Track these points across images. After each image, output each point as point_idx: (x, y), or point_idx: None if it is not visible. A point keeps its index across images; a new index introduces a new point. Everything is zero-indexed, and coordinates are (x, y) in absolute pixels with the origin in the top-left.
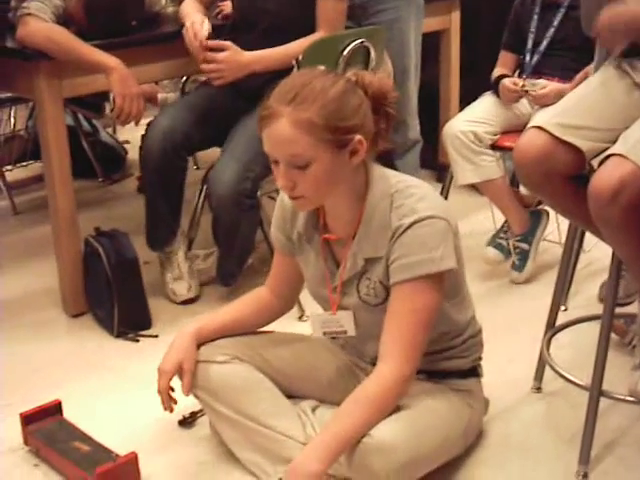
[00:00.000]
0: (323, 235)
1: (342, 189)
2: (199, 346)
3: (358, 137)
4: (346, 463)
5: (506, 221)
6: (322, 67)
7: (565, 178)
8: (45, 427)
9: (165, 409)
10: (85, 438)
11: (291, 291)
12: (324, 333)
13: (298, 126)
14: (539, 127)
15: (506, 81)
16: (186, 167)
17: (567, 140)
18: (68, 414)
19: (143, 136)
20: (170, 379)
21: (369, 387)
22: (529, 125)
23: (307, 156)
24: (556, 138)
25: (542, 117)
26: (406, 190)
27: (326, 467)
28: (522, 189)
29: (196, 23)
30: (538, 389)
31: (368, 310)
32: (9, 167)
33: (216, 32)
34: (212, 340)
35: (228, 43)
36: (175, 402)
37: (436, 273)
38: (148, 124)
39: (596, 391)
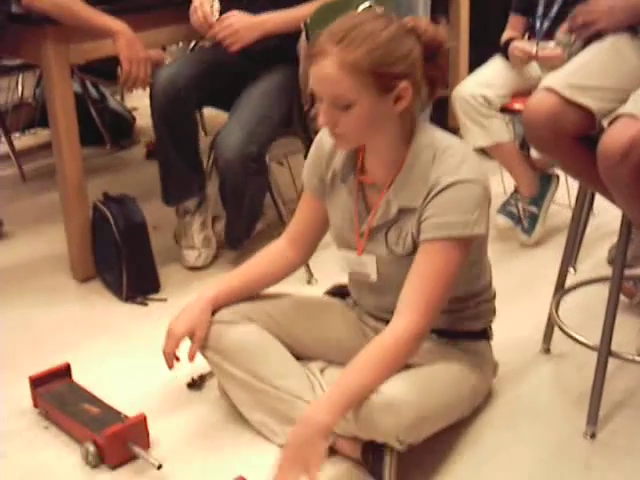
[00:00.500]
0: (359, 177)
1: (386, 133)
2: (215, 311)
3: (404, 84)
4: (354, 421)
5: (516, 188)
6: (379, 9)
7: (574, 139)
8: (54, 390)
9: (170, 367)
10: (94, 400)
11: (311, 240)
12: (351, 272)
13: (343, 67)
14: (549, 88)
15: (516, 44)
16: (195, 119)
17: (577, 101)
18: (77, 377)
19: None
20: (179, 343)
21: (383, 342)
22: (539, 86)
23: (350, 98)
24: (566, 99)
25: (552, 78)
26: (449, 148)
27: (335, 419)
28: (532, 153)
29: (205, 3)
30: (547, 351)
31: (393, 260)
32: (17, 135)
33: (224, 6)
34: (230, 304)
35: (235, 11)
36: (178, 360)
37: (467, 237)
38: (154, 73)
39: (605, 351)
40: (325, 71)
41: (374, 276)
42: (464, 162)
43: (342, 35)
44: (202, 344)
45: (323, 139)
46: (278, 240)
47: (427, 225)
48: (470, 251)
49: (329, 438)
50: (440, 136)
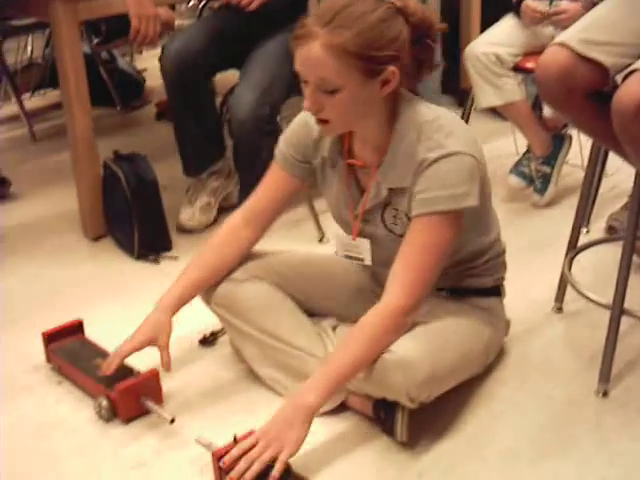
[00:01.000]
0: (348, 160)
1: (371, 116)
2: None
3: (391, 68)
4: (366, 379)
5: (529, 148)
6: None
7: (587, 94)
8: (67, 346)
9: (105, 369)
10: (107, 356)
11: (268, 218)
12: (345, 256)
13: (330, 51)
14: (562, 43)
15: (528, 3)
16: (209, 88)
17: (590, 56)
18: (90, 334)
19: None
20: (136, 351)
21: (369, 320)
22: (553, 42)
23: (336, 82)
24: (578, 54)
25: (565, 34)
26: (436, 121)
27: (321, 403)
28: (545, 112)
29: None
30: (559, 309)
31: (393, 239)
32: (27, 95)
33: None
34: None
35: None
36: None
37: (455, 210)
38: (163, 47)
39: (617, 309)
40: (311, 54)
41: (368, 261)
42: (450, 135)
43: (330, 17)
44: (168, 350)
45: (310, 122)
46: (233, 217)
47: (415, 202)
48: (461, 223)
49: (311, 421)
50: (425, 111)
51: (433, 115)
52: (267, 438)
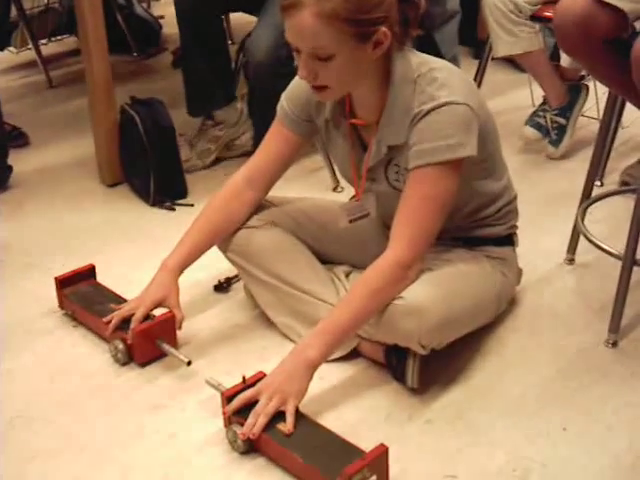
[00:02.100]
0: (350, 120)
1: (366, 78)
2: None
3: (382, 29)
4: (377, 325)
5: (545, 99)
6: None
7: (605, 42)
8: (80, 290)
9: (106, 334)
10: (121, 300)
11: (271, 178)
12: (350, 221)
13: (321, 18)
14: None
15: None
16: (222, 26)
17: (609, 2)
18: (105, 280)
19: None
20: (145, 314)
21: (370, 275)
22: None
23: (329, 48)
24: (597, 0)
25: None
26: (429, 74)
27: (323, 357)
28: (562, 62)
29: None
30: (571, 261)
31: (396, 196)
32: (44, 41)
33: None
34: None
35: None
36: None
37: (452, 160)
38: None
39: (629, 260)
40: (302, 23)
41: (373, 213)
42: (443, 86)
43: None
44: (180, 308)
45: None
46: (235, 178)
47: (410, 155)
48: (460, 173)
49: (312, 374)
50: (419, 64)
51: (427, 67)
52: (270, 391)
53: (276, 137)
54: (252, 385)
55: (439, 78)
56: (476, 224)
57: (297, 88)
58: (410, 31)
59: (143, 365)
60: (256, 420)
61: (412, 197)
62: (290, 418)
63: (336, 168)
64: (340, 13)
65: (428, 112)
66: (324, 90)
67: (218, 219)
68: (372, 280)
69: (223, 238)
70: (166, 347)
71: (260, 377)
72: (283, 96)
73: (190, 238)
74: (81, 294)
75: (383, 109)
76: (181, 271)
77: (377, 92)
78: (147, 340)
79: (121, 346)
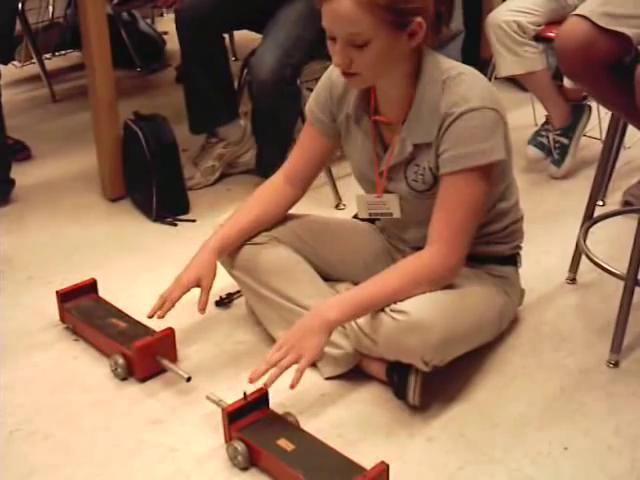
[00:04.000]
0: (373, 117)
1: (397, 70)
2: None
3: (418, 19)
4: (380, 341)
5: (547, 118)
6: None
7: (606, 66)
8: (81, 305)
9: (153, 314)
10: (122, 315)
11: (308, 176)
12: (370, 214)
13: (360, 4)
14: (582, 16)
15: None
16: (223, 45)
17: (613, 29)
18: (106, 294)
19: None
20: (184, 293)
21: (413, 260)
22: (573, 13)
23: (366, 35)
24: (599, 26)
25: (587, 6)
26: (458, 77)
27: (341, 319)
28: (565, 83)
29: None
30: (573, 281)
31: (414, 196)
32: (48, 56)
33: None
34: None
35: None
36: (164, 314)
37: (485, 164)
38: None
39: (631, 280)
40: (341, 9)
41: (397, 214)
42: (473, 89)
43: None
44: (209, 292)
45: (334, 78)
46: (275, 176)
47: (445, 159)
48: (492, 177)
49: (330, 335)
50: (448, 65)
51: (456, 71)
52: (288, 345)
53: (307, 138)
54: (253, 401)
55: (468, 81)
56: (481, 240)
57: (320, 88)
58: (442, 28)
59: (143, 380)
60: (268, 369)
61: (449, 202)
62: (297, 374)
63: (351, 166)
64: (379, 1)
65: (460, 115)
66: (356, 77)
67: (259, 209)
68: (413, 267)
69: (262, 227)
70: (166, 363)
71: (262, 393)
72: (310, 98)
73: (233, 222)
74: (82, 308)
75: (409, 107)
76: (221, 252)
77: (405, 89)
78: (147, 355)
79: (121, 361)
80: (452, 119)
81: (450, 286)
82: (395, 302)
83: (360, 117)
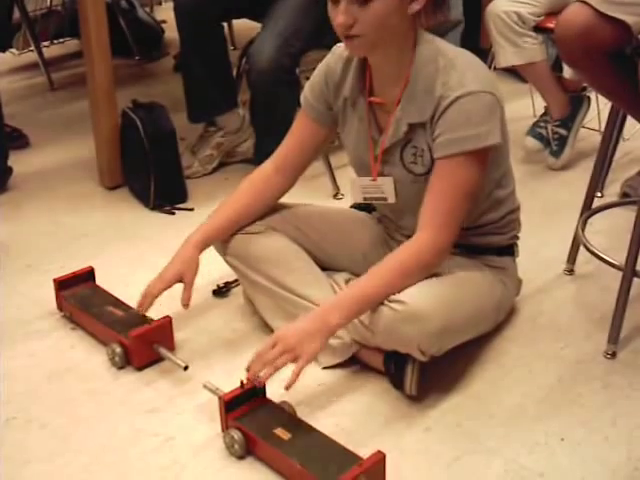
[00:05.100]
0: (369, 98)
1: (391, 47)
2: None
3: None
4: (377, 331)
5: (546, 109)
6: None
7: (606, 54)
8: (78, 293)
9: (139, 308)
10: (119, 303)
11: (298, 166)
12: (364, 198)
13: None
14: (583, 1)
15: None
16: (222, 33)
17: (613, 15)
18: (104, 283)
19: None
20: (165, 289)
21: (401, 251)
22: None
23: None
24: (600, 13)
25: None
26: (453, 59)
27: (345, 321)
28: (565, 74)
29: None
30: (570, 271)
31: (411, 180)
32: (46, 44)
33: None
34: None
35: None
36: (147, 308)
37: (481, 149)
38: None
39: (629, 270)
40: None
41: (392, 199)
42: (469, 72)
43: None
44: (192, 287)
45: (332, 65)
46: (264, 165)
47: (440, 142)
48: (487, 161)
49: (330, 337)
50: (444, 47)
51: (452, 53)
52: (284, 344)
53: (300, 126)
54: (250, 390)
55: (464, 63)
56: (479, 231)
57: (316, 76)
58: (443, 6)
59: (140, 369)
60: (262, 367)
61: (442, 185)
62: (293, 377)
63: (347, 153)
64: None
65: (456, 99)
66: (357, 39)
67: (246, 199)
68: (405, 258)
69: (248, 220)
70: (163, 351)
71: (259, 382)
72: (306, 86)
73: (217, 215)
74: (79, 296)
75: (404, 88)
76: (204, 247)
77: (400, 67)
78: (144, 344)
79: (118, 349)
80: (448, 103)
81: (448, 275)
82: (394, 294)
83: (356, 99)
